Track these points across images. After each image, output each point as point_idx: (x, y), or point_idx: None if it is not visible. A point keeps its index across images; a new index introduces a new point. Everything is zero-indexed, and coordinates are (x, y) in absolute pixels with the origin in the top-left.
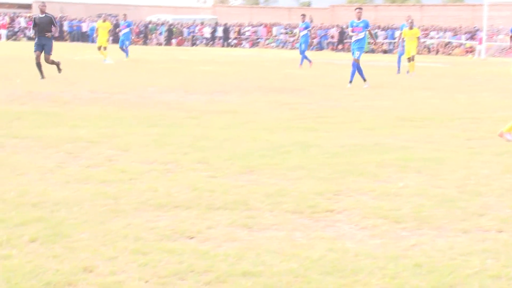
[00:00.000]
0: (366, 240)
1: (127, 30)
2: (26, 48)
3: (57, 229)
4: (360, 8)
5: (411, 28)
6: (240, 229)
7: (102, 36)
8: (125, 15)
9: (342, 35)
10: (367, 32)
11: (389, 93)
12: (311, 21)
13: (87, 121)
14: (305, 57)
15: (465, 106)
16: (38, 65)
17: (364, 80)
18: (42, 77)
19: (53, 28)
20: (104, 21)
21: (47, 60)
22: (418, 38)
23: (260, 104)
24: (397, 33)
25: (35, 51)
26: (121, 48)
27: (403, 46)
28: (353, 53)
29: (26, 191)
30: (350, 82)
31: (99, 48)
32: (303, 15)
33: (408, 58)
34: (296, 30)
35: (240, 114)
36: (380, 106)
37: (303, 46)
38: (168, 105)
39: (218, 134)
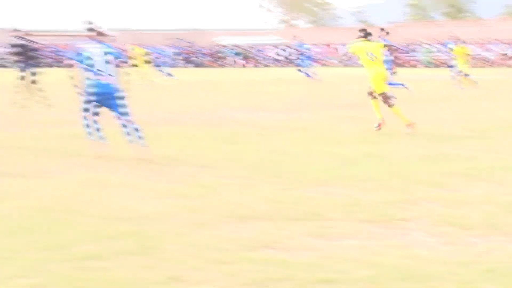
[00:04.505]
0: (437, 247)
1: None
2: None
3: (146, 241)
4: None
5: (460, 46)
6: (316, 239)
7: (140, 61)
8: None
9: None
10: None
11: (451, 105)
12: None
13: (167, 140)
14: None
15: None
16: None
17: None
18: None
19: None
20: (135, 46)
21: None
22: (468, 55)
23: (328, 120)
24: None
25: None
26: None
27: (454, 63)
28: None
29: (114, 206)
30: None
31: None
32: (382, 29)
33: (461, 74)
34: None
35: (310, 130)
36: (443, 118)
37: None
38: (242, 123)
39: (290, 149)
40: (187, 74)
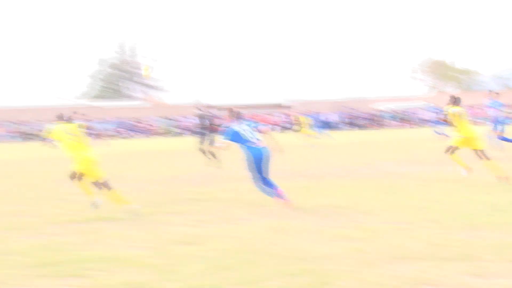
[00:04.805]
0: None
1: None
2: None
3: (321, 278)
4: None
5: None
6: (471, 277)
7: (304, 126)
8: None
9: None
10: None
11: None
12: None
13: (333, 191)
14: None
15: None
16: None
17: None
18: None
19: None
20: (300, 115)
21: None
22: None
23: (475, 172)
24: None
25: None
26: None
27: None
28: None
29: (293, 248)
30: None
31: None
32: (490, 91)
33: None
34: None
35: (459, 180)
36: None
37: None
38: (398, 175)
39: (442, 198)
40: (349, 135)
